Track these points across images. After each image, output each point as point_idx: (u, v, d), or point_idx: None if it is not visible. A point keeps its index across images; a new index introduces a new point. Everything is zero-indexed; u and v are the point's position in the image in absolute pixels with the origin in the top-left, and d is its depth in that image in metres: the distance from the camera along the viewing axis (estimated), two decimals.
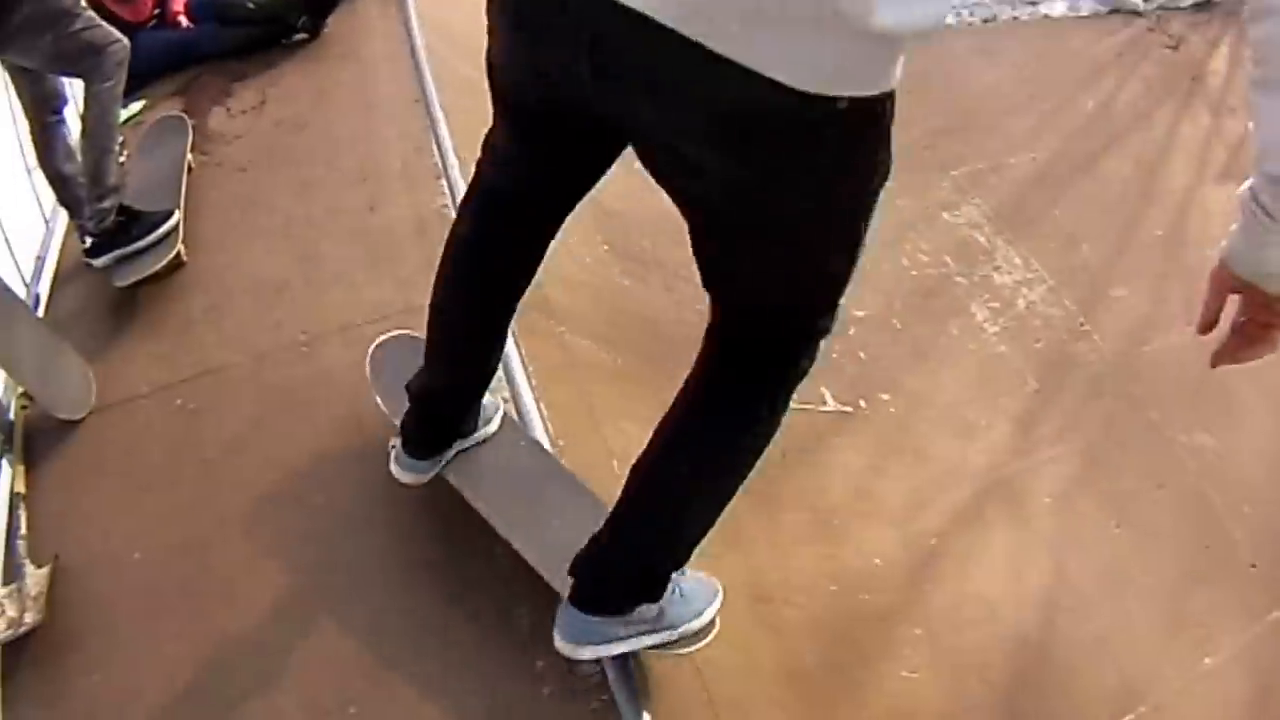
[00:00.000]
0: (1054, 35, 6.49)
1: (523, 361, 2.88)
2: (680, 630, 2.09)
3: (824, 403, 3.67)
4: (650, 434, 1.92)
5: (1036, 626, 3.37)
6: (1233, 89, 6.63)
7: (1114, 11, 6.94)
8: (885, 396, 3.79)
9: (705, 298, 1.82)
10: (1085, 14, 6.81)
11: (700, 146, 1.43)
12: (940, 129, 5.25)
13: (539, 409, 2.74)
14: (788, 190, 1.46)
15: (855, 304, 4.09)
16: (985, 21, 6.26)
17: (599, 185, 1.95)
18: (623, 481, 1.94)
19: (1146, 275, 4.85)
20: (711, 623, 2.15)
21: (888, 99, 1.39)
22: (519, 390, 2.81)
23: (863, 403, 3.74)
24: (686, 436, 1.87)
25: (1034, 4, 6.59)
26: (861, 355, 3.91)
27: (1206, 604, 3.72)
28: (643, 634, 2.05)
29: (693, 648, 2.13)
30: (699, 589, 2.15)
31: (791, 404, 2.96)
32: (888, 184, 1.53)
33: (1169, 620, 3.62)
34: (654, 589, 2.01)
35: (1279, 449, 4.36)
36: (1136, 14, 7.00)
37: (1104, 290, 4.67)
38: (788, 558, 3.10)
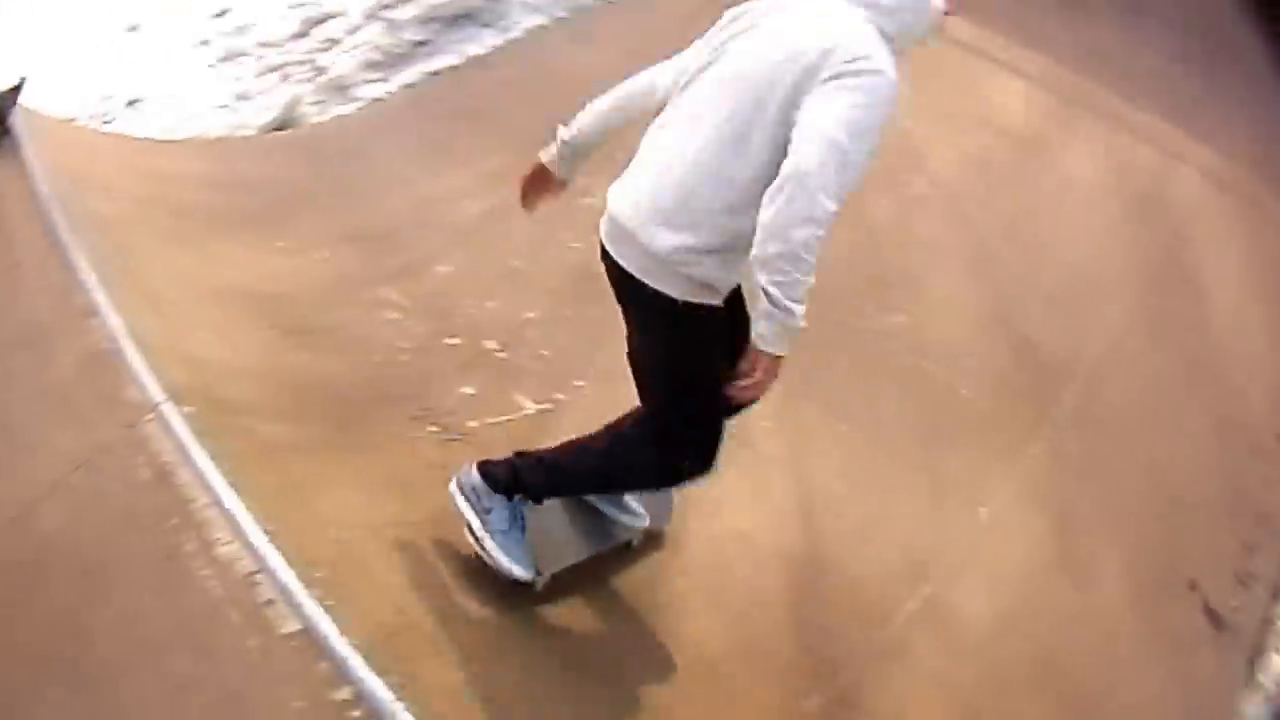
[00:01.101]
0: (642, 6, 6.80)
1: (212, 463, 2.98)
2: (487, 544, 2.90)
3: (522, 409, 3.83)
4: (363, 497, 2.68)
5: (798, 540, 3.65)
6: None
7: None
8: (580, 383, 3.94)
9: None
10: None
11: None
12: (554, 122, 5.41)
13: (241, 503, 2.84)
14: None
15: (525, 307, 4.29)
16: (575, 12, 6.61)
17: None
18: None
19: None
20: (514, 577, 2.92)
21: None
22: (216, 492, 2.89)
23: (560, 395, 3.88)
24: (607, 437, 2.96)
25: None
26: (545, 353, 4.06)
27: (961, 463, 4.16)
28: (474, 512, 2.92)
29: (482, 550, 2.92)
30: (517, 550, 2.92)
31: (490, 421, 3.66)
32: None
33: (929, 489, 4.01)
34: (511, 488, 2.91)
35: (972, 303, 4.94)
36: None
37: None
38: None
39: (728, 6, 2.68)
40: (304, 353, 3.95)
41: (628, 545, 3.31)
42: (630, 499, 3.25)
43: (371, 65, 5.86)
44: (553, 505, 3.18)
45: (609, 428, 2.95)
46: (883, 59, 2.36)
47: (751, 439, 3.87)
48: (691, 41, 2.78)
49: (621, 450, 2.90)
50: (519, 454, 2.95)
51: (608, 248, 2.69)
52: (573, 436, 3.07)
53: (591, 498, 3.21)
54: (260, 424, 3.49)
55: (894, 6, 2.44)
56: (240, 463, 3.04)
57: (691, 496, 3.53)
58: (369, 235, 4.62)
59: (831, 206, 2.27)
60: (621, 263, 2.64)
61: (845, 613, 3.49)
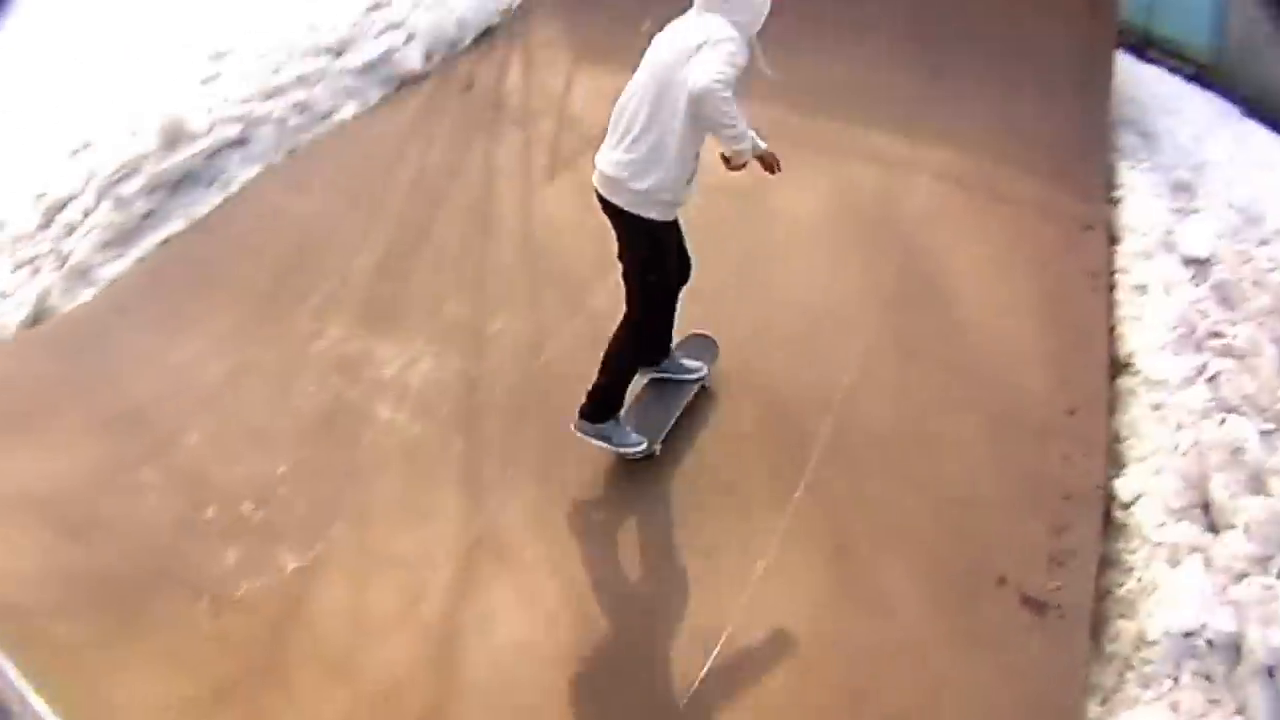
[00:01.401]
0: (354, 136, 7.30)
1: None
2: (620, 450, 4.65)
3: (286, 566, 4.24)
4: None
5: (579, 636, 4.06)
6: (534, 94, 7.76)
7: (402, 85, 7.84)
8: (337, 529, 4.38)
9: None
10: (377, 101, 7.67)
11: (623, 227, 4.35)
12: (280, 272, 5.85)
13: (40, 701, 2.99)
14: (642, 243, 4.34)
15: (273, 464, 4.69)
16: (290, 154, 6.94)
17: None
18: None
19: (515, 299, 5.77)
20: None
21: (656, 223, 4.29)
22: (23, 699, 2.98)
23: (319, 546, 4.30)
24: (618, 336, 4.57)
25: (327, 116, 7.32)
26: (299, 507, 4.47)
27: (728, 523, 4.50)
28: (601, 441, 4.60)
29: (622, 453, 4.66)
30: (633, 439, 4.68)
31: (258, 583, 4.09)
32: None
33: (701, 558, 4.39)
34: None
35: (714, 367, 5.24)
36: (424, 77, 7.95)
37: (482, 332, 5.52)
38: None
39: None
40: (81, 547, 4.30)
41: (703, 388, 5.07)
42: (685, 359, 5.05)
43: (107, 245, 5.99)
44: (642, 398, 4.89)
45: (617, 334, 4.57)
46: (733, 34, 4.02)
47: (511, 552, 4.35)
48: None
49: (631, 338, 4.56)
50: (588, 396, 4.56)
51: (603, 194, 4.32)
52: (337, 583, 3.83)
53: (666, 373, 5.01)
54: (49, 623, 3.88)
55: (740, 18, 4.08)
56: (35, 664, 3.20)
57: (464, 618, 4.07)
58: (122, 418, 4.89)
59: (724, 91, 3.92)
60: (616, 202, 4.28)
61: (641, 694, 3.86)
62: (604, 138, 4.43)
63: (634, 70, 4.33)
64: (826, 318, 5.67)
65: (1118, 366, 5.59)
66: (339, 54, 7.85)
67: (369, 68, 7.86)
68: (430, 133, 7.37)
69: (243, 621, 3.96)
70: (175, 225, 6.27)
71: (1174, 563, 4.39)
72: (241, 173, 6.74)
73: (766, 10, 4.18)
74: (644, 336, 4.64)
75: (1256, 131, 9.25)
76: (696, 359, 5.10)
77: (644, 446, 4.66)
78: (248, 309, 5.55)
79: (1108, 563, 4.50)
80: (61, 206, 6.34)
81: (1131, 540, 4.58)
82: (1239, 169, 7.95)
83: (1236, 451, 4.75)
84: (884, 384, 5.28)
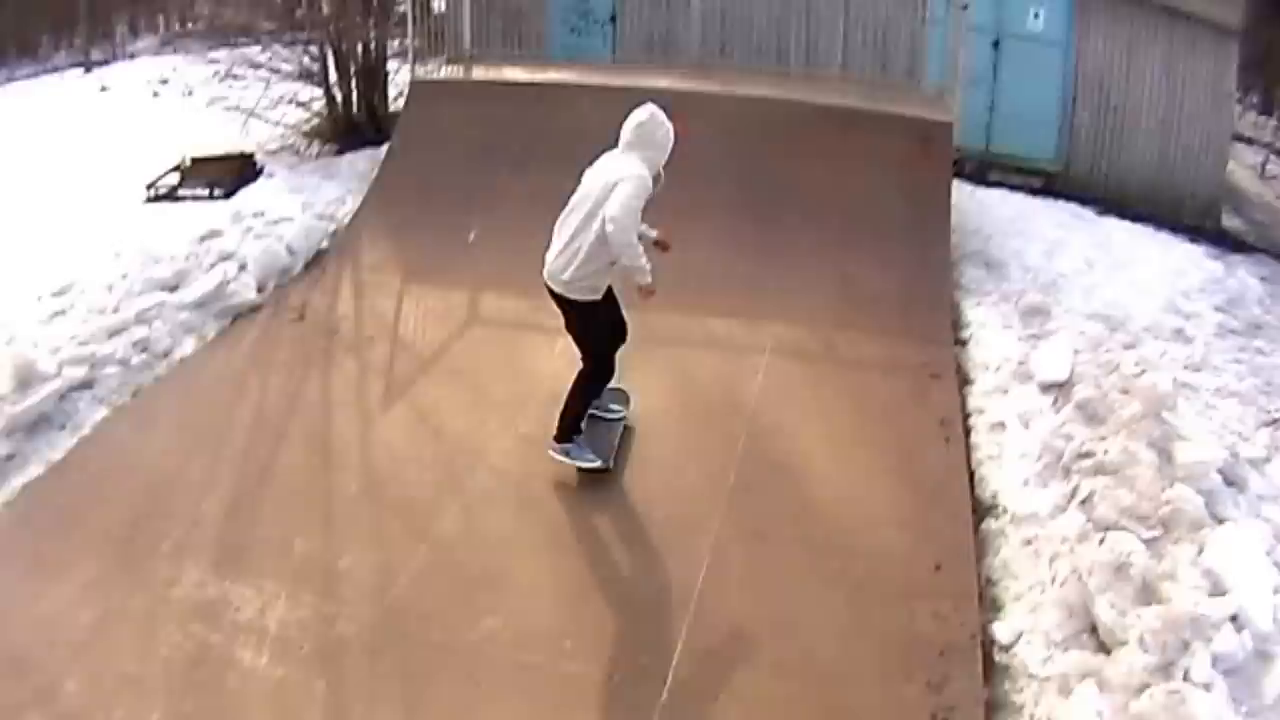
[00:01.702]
0: (195, 373, 7.75)
1: None
2: (580, 465, 6.38)
3: None
4: None
5: None
6: (365, 319, 8.44)
7: (237, 318, 8.34)
8: None
9: None
10: (214, 335, 8.21)
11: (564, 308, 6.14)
12: (135, 516, 6.08)
13: None
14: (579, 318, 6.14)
15: (147, 711, 4.88)
16: (135, 395, 7.31)
17: None
18: None
19: (361, 532, 6.13)
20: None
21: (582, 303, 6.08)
22: None
23: None
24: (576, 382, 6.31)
25: (167, 354, 7.79)
26: None
27: None
28: (567, 457, 6.34)
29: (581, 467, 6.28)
30: (589, 455, 6.38)
31: None
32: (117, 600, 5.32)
33: None
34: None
35: (558, 584, 5.56)
36: (258, 308, 8.47)
37: (333, 568, 5.85)
38: None
39: None
40: None
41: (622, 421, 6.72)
42: (609, 404, 6.76)
43: None
44: (590, 430, 6.40)
45: (575, 381, 6.31)
46: (642, 172, 5.82)
47: None
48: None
49: (584, 383, 6.32)
50: (557, 425, 6.30)
51: (551, 286, 6.07)
52: None
53: (599, 409, 6.70)
54: None
55: (650, 155, 5.95)
56: None
57: None
58: (3, 664, 5.09)
59: (629, 230, 5.72)
60: (559, 291, 6.03)
61: None
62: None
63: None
64: (676, 515, 5.96)
65: (983, 510, 5.87)
66: (174, 288, 8.35)
67: (204, 301, 8.36)
68: (267, 365, 7.81)
69: None
70: (33, 469, 6.50)
71: (1065, 693, 4.52)
72: (91, 414, 7.06)
73: (670, 146, 5.99)
74: (595, 381, 6.34)
75: (1115, 229, 10.33)
76: (618, 405, 6.83)
77: (599, 463, 6.36)
78: (109, 555, 5.83)
79: (996, 707, 4.69)
80: None
81: (1017, 680, 4.78)
82: (1098, 274, 8.75)
83: (1121, 568, 4.87)
84: (739, 573, 5.54)
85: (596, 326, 6.20)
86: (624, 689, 4.95)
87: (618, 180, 5.74)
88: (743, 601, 5.41)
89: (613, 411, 6.77)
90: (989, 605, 5.27)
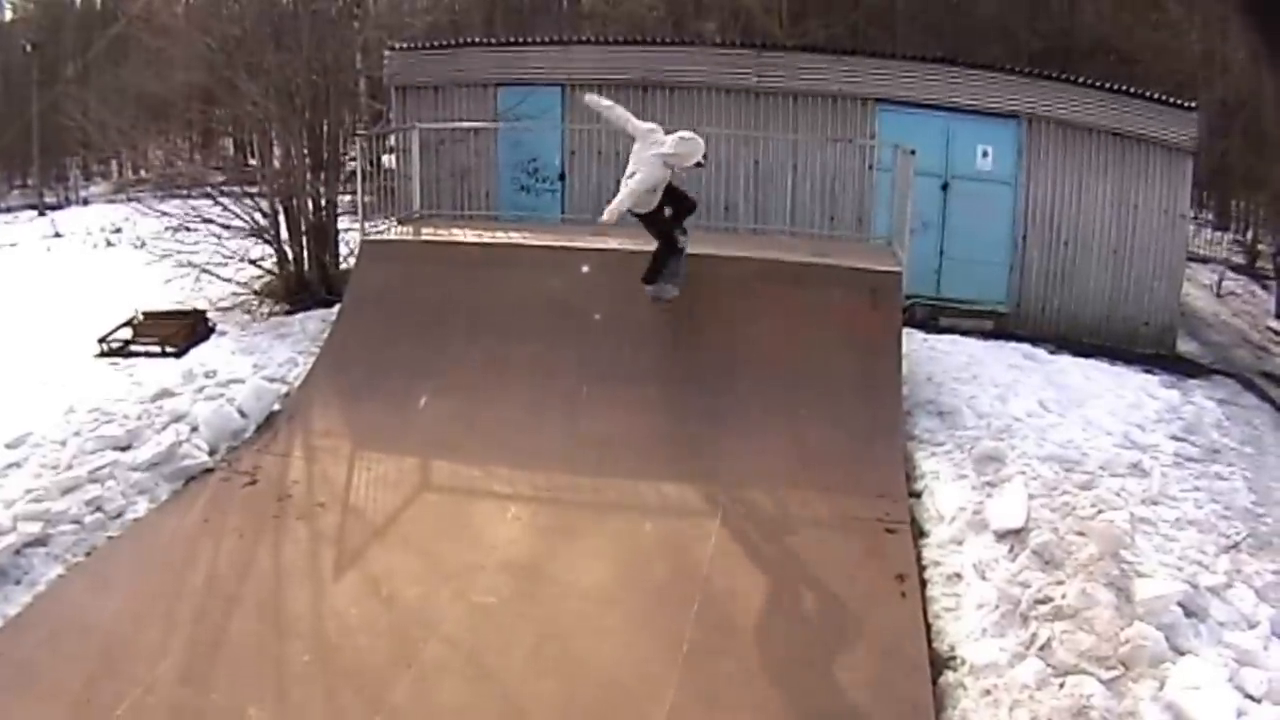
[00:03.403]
0: (148, 535, 7.83)
1: None
2: (664, 295, 9.69)
3: None
4: None
5: None
6: (316, 485, 8.51)
7: (189, 480, 8.47)
8: None
9: None
10: (166, 497, 8.32)
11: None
12: (89, 677, 6.13)
13: None
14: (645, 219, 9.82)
15: None
16: (89, 554, 7.39)
17: None
18: None
19: (314, 703, 6.09)
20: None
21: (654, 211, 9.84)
22: None
23: None
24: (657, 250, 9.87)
25: (120, 514, 7.89)
26: None
27: None
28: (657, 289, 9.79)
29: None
30: (670, 289, 9.77)
31: None
32: None
33: None
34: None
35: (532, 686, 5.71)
36: (210, 470, 8.60)
37: None
38: None
39: None
40: None
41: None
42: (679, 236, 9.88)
43: None
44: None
45: (659, 244, 9.62)
46: (657, 164, 9.09)
47: None
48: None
49: (662, 247, 9.65)
50: (648, 271, 9.60)
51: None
52: None
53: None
54: None
55: (669, 154, 9.07)
56: None
57: None
58: None
59: (630, 189, 9.06)
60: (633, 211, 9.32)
61: None
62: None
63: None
64: (629, 684, 5.98)
65: (940, 663, 5.89)
66: (126, 448, 8.51)
67: (156, 462, 8.50)
68: (219, 529, 7.90)
69: None
70: None
71: None
72: (46, 570, 7.12)
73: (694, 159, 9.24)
74: (667, 247, 9.57)
75: (1069, 367, 10.45)
76: (683, 235, 9.88)
77: (677, 293, 9.63)
78: (64, 714, 5.86)
79: None
80: None
81: None
82: (1053, 415, 8.85)
83: (1080, 712, 4.93)
84: None
85: (660, 222, 9.49)
86: None
87: (651, 158, 9.06)
88: None
89: (683, 238, 9.89)
90: None
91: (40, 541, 7.25)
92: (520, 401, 9.00)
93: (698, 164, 9.09)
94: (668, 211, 9.36)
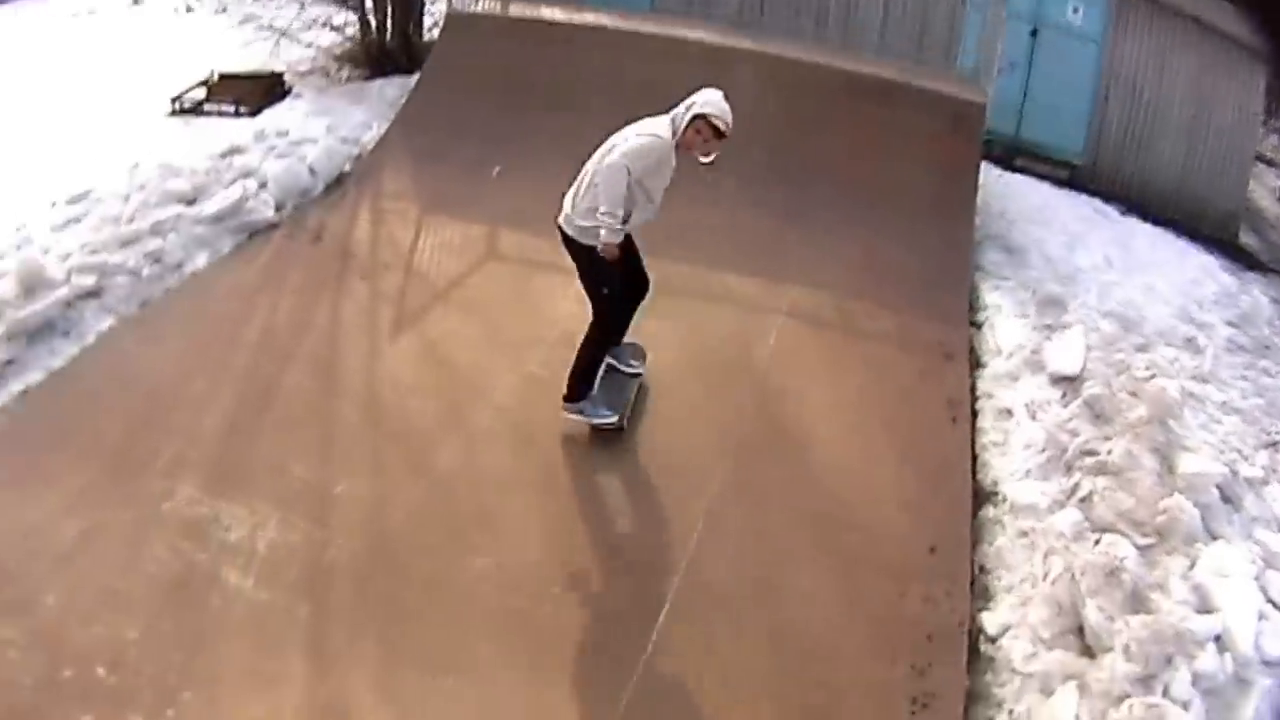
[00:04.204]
0: (206, 288, 7.62)
1: None
2: (594, 421, 6.19)
3: None
4: None
5: None
6: (382, 246, 8.22)
7: (253, 235, 8.19)
8: (187, 695, 4.55)
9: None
10: (229, 250, 8.07)
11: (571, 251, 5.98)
12: (132, 428, 6.02)
13: None
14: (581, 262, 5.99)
15: (126, 627, 4.87)
16: (143, 306, 7.21)
17: None
18: None
19: (360, 460, 6.04)
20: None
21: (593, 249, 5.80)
22: None
23: (169, 711, 4.47)
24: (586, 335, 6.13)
25: (179, 267, 7.67)
26: (149, 671, 4.64)
27: (568, 691, 4.69)
28: (579, 414, 6.17)
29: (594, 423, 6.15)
30: (603, 411, 6.19)
31: None
32: (104, 513, 5.37)
33: None
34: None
35: (551, 529, 5.51)
36: (275, 226, 8.31)
37: (328, 494, 5.78)
38: None
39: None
40: None
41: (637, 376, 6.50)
42: (628, 359, 6.60)
43: None
44: (604, 382, 6.17)
45: (587, 332, 6.08)
46: (664, 132, 5.67)
47: (356, 717, 4.52)
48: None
49: (591, 335, 6.08)
50: (568, 383, 6.09)
51: (563, 228, 5.90)
52: None
53: (616, 360, 6.51)
54: None
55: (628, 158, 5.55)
56: None
57: None
58: None
59: (613, 184, 5.58)
60: (569, 233, 5.85)
61: None
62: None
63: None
64: (678, 471, 5.90)
65: (982, 496, 5.78)
66: (191, 202, 8.22)
67: (221, 217, 8.22)
68: (279, 285, 7.69)
69: None
70: (33, 375, 6.43)
71: (1047, 692, 4.51)
72: (97, 324, 6.97)
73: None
74: (606, 333, 6.11)
75: (1136, 230, 10.08)
76: (635, 359, 6.63)
77: (614, 419, 6.16)
78: (101, 467, 5.76)
79: (976, 698, 4.66)
80: None
81: (1000, 674, 4.73)
82: (1116, 273, 8.59)
83: (1113, 572, 4.86)
84: (733, 536, 5.48)
85: (601, 274, 5.94)
86: (607, 642, 4.94)
87: (638, 135, 5.65)
88: (734, 565, 5.34)
89: (631, 366, 6.61)
90: (979, 594, 5.20)
91: (93, 294, 7.09)
92: None
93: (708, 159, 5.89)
94: (605, 264, 5.87)
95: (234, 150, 9.01)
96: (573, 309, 6.63)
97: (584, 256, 5.90)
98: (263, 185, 8.69)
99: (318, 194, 9.04)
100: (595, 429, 6.15)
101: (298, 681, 4.73)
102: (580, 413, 6.14)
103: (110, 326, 6.97)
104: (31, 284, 6.82)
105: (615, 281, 5.99)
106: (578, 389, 6.10)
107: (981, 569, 5.32)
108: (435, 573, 5.16)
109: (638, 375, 6.59)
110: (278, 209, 8.60)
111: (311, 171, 9.13)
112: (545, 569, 5.30)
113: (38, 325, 6.72)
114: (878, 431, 6.25)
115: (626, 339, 6.55)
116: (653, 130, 5.65)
